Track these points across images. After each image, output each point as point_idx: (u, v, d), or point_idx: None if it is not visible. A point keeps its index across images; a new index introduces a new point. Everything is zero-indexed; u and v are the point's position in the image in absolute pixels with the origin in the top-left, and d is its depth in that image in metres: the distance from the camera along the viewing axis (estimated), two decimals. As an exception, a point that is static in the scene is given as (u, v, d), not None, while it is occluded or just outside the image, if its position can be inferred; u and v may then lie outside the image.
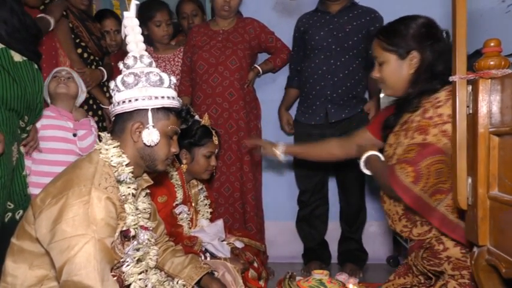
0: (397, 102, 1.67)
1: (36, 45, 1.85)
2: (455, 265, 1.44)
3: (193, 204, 2.07)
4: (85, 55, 2.48)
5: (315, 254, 2.81)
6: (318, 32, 2.63)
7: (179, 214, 1.94)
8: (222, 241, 2.04)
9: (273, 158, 2.06)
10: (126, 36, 1.37)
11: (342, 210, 2.84)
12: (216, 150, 2.07)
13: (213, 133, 2.06)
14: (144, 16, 2.78)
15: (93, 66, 2.51)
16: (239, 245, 2.05)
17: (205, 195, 2.14)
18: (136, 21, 1.37)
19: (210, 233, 2.00)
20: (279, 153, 1.96)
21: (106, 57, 2.66)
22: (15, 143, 1.76)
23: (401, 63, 1.53)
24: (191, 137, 2.01)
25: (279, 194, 2.99)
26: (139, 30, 1.37)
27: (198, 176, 2.06)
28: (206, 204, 2.12)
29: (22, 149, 1.85)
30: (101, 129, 2.43)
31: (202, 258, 1.85)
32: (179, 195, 1.95)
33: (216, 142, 2.06)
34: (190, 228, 1.99)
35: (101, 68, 2.54)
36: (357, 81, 2.62)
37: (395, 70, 1.54)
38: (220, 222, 2.11)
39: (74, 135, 2.14)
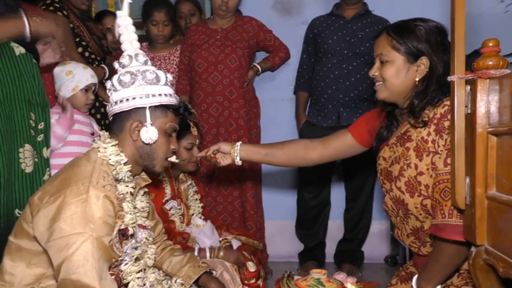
0: (387, 109, 1.55)
1: (32, 42, 1.83)
2: (464, 278, 1.42)
3: (183, 200, 2.06)
4: (86, 54, 2.48)
5: (312, 254, 2.82)
6: (331, 36, 2.66)
7: (170, 210, 1.94)
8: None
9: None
10: (120, 35, 1.36)
11: (346, 211, 2.85)
12: (197, 141, 2.02)
13: (191, 124, 2.01)
14: (143, 13, 2.80)
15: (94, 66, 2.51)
16: (236, 244, 2.05)
17: (195, 190, 2.13)
18: (130, 20, 1.36)
19: (207, 232, 2.00)
20: (237, 160, 1.69)
21: (108, 57, 2.66)
22: (27, 145, 1.72)
23: (408, 66, 1.40)
24: None
25: (279, 193, 2.99)
26: (133, 29, 1.35)
27: (184, 169, 2.03)
28: (196, 199, 2.11)
29: (45, 153, 1.80)
30: (104, 126, 2.43)
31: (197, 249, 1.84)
32: (167, 190, 1.94)
33: (195, 133, 2.01)
34: (182, 222, 1.99)
35: (103, 65, 2.54)
36: (368, 85, 2.64)
37: (400, 72, 1.41)
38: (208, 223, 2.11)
39: (92, 134, 2.17)
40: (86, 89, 2.13)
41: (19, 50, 1.73)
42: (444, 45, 1.39)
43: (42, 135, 1.80)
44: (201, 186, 2.28)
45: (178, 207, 1.98)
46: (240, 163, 1.71)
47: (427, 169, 1.38)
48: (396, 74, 1.42)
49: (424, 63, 1.39)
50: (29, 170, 1.73)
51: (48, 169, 1.83)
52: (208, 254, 1.84)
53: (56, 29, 1.80)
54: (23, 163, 1.71)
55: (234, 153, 1.69)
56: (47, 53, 1.86)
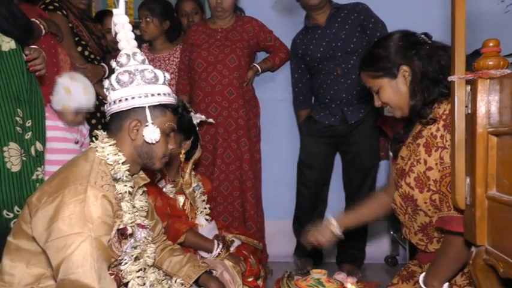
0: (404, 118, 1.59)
1: (27, 38, 1.81)
2: (467, 278, 1.42)
3: (189, 200, 2.06)
4: (86, 53, 2.48)
5: (306, 251, 2.81)
6: (317, 48, 2.66)
7: (162, 188, 1.94)
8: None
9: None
10: (116, 34, 1.35)
11: (347, 207, 2.85)
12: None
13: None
14: None
15: (93, 65, 2.51)
16: (235, 243, 2.05)
17: (202, 191, 2.12)
18: (126, 18, 1.35)
19: (206, 233, 2.00)
20: (336, 230, 1.70)
21: (108, 57, 2.66)
22: (12, 143, 1.68)
23: (395, 82, 1.47)
24: None
25: (279, 193, 2.99)
26: (129, 27, 1.35)
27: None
28: (203, 201, 2.11)
29: (33, 151, 1.77)
30: (104, 125, 2.43)
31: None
32: (157, 174, 1.92)
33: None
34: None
35: (103, 64, 2.53)
36: None
37: (394, 91, 1.48)
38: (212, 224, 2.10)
39: (76, 142, 2.14)
40: (77, 111, 2.06)
41: (9, 45, 1.71)
42: (413, 44, 1.46)
43: (30, 133, 1.76)
44: (209, 183, 2.25)
45: (171, 186, 1.97)
46: (340, 234, 1.70)
47: (436, 164, 1.39)
48: (392, 94, 1.49)
49: (405, 70, 1.46)
50: (15, 169, 1.68)
51: (42, 167, 1.78)
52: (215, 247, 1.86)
53: None
54: (8, 162, 1.67)
55: (334, 228, 1.69)
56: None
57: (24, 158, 1.73)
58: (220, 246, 1.88)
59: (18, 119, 1.71)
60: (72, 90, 2.01)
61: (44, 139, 1.86)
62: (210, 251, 1.89)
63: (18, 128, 1.71)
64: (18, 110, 1.71)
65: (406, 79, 1.46)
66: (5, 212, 1.65)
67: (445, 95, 1.41)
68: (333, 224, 1.68)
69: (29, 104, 1.76)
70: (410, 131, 1.55)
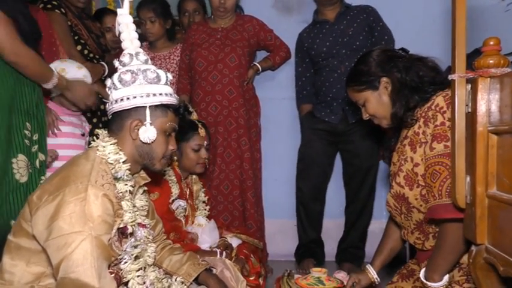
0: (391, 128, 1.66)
1: (37, 50, 1.83)
2: (465, 272, 1.44)
3: (190, 201, 2.06)
4: (85, 52, 2.47)
5: (308, 251, 2.82)
6: (324, 43, 2.68)
7: (176, 209, 1.93)
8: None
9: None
10: (120, 33, 1.36)
11: (346, 208, 2.85)
12: (205, 142, 2.00)
13: (199, 125, 2.00)
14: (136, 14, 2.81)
15: (93, 63, 2.50)
16: (236, 242, 2.05)
17: (203, 190, 2.13)
18: (130, 18, 1.35)
19: (207, 231, 2.00)
20: (375, 276, 1.73)
21: (107, 56, 2.65)
22: (21, 155, 1.70)
23: (378, 93, 1.58)
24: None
25: (279, 192, 2.99)
26: (133, 27, 1.35)
27: (191, 170, 2.02)
28: (204, 202, 2.12)
29: (37, 164, 1.78)
30: (104, 124, 2.43)
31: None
32: (174, 190, 1.91)
33: (203, 134, 2.00)
34: (185, 224, 1.99)
35: (102, 62, 2.53)
36: None
37: (377, 101, 1.59)
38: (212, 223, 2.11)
39: (83, 134, 2.15)
40: None
41: None
42: (392, 57, 1.58)
43: (36, 146, 1.79)
44: (207, 190, 2.28)
45: (184, 207, 1.97)
46: (379, 280, 1.74)
47: (421, 159, 1.45)
48: (376, 105, 1.59)
49: (385, 81, 1.57)
50: (23, 180, 1.71)
51: (45, 176, 1.80)
52: (218, 256, 1.84)
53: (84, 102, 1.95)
54: (17, 173, 1.69)
55: (372, 276, 1.73)
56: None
57: (30, 170, 1.75)
58: (224, 255, 1.86)
59: (27, 132, 1.74)
60: (66, 68, 2.04)
61: (46, 149, 1.88)
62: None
63: (26, 141, 1.74)
64: (27, 123, 1.74)
65: (387, 89, 1.57)
66: (12, 222, 1.65)
67: (425, 99, 1.49)
68: (370, 272, 1.73)
69: (36, 117, 1.79)
70: (398, 138, 1.62)
